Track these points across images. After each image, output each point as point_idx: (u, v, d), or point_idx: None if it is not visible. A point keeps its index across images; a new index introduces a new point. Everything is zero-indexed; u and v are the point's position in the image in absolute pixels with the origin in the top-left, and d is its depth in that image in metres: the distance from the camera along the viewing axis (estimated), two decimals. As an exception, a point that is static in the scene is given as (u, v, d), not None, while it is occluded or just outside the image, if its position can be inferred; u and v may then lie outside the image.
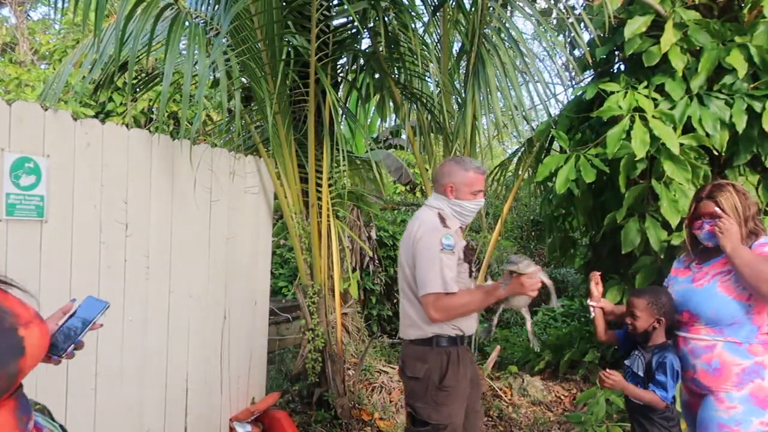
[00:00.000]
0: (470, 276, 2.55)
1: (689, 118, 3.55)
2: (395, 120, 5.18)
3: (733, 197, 2.26)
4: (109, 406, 3.06)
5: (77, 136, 2.96)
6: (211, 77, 4.17)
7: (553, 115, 4.69)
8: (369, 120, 7.19)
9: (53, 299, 2.92)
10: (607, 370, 2.37)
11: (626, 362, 2.46)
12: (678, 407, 2.52)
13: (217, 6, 3.73)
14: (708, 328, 2.24)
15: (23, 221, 2.77)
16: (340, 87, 4.60)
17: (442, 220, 2.48)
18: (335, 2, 4.02)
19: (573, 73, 5.11)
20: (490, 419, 4.39)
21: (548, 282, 2.37)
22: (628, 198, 3.62)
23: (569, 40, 4.69)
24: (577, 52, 4.79)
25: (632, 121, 3.54)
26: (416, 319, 2.44)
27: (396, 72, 4.26)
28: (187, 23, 3.13)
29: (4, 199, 2.70)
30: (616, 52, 4.41)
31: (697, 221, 2.32)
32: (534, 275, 2.28)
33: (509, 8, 4.28)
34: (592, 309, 2.54)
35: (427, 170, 4.85)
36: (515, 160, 5.06)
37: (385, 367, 4.90)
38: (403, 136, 7.18)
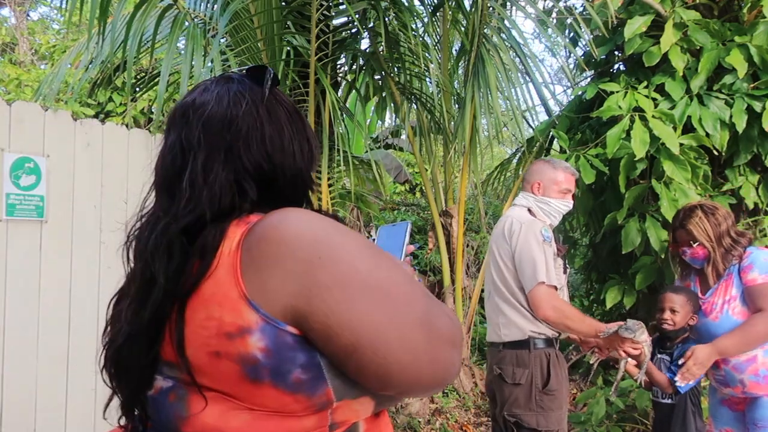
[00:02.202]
0: (564, 272, 2.52)
1: (689, 118, 3.55)
2: (395, 120, 5.19)
3: (702, 222, 2.34)
4: (110, 406, 3.06)
5: (77, 136, 2.96)
6: (211, 77, 4.16)
7: (553, 115, 4.69)
8: (368, 120, 7.20)
9: (53, 299, 2.93)
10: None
11: None
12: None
13: (216, 5, 3.73)
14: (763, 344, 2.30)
15: (23, 221, 2.77)
16: (340, 87, 4.60)
17: (533, 215, 2.46)
18: (335, 2, 4.02)
19: (574, 72, 5.11)
20: (489, 419, 4.39)
21: (647, 354, 2.31)
22: (629, 198, 3.62)
23: (569, 38, 4.68)
24: (579, 51, 4.78)
25: (632, 121, 3.54)
26: (513, 318, 2.36)
27: (396, 72, 4.26)
28: (186, 23, 3.13)
29: (4, 199, 2.70)
30: (616, 52, 4.41)
31: (679, 248, 2.44)
32: (641, 343, 2.26)
33: (509, 7, 4.28)
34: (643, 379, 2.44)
35: (426, 170, 4.85)
36: (515, 160, 5.06)
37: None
38: (403, 137, 7.19)
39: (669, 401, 2.44)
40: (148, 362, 0.86)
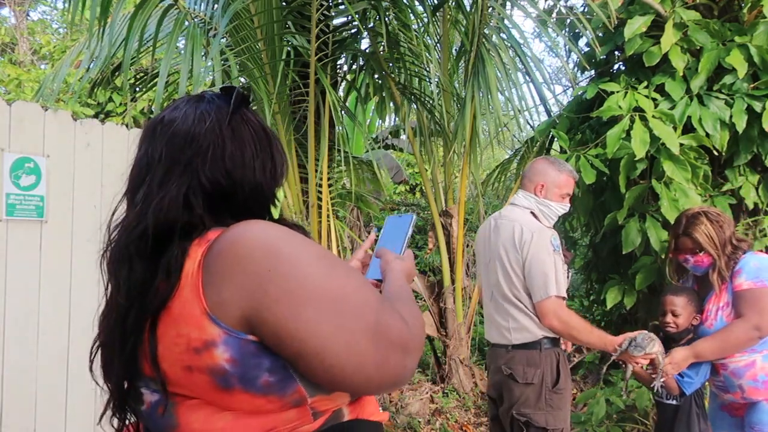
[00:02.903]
0: (567, 277, 2.52)
1: (689, 118, 3.55)
2: (395, 120, 5.19)
3: (707, 228, 2.33)
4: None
5: (77, 136, 2.96)
6: (210, 77, 4.17)
7: (553, 115, 4.69)
8: (368, 120, 7.20)
9: (53, 299, 2.92)
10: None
11: None
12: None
13: (216, 5, 3.73)
14: (742, 350, 2.30)
15: (23, 221, 2.77)
16: (340, 87, 4.60)
17: (537, 219, 2.45)
18: (335, 2, 4.02)
19: (575, 71, 5.11)
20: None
21: (661, 362, 2.30)
22: (629, 198, 3.61)
23: (570, 36, 4.68)
24: (574, 54, 4.78)
25: (632, 121, 3.54)
26: (524, 323, 2.37)
27: (396, 72, 4.26)
28: (186, 23, 3.13)
29: (4, 199, 2.70)
30: (616, 53, 4.41)
31: (681, 255, 2.42)
32: (654, 354, 2.26)
33: (509, 6, 4.28)
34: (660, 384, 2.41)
35: (426, 170, 4.85)
36: (516, 160, 5.06)
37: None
38: (402, 137, 7.20)
39: (674, 402, 2.44)
40: (123, 367, 0.91)
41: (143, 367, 0.90)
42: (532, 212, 2.47)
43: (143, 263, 0.88)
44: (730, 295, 2.33)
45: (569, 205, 2.55)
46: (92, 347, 0.96)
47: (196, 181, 0.92)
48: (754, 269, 2.29)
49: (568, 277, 2.55)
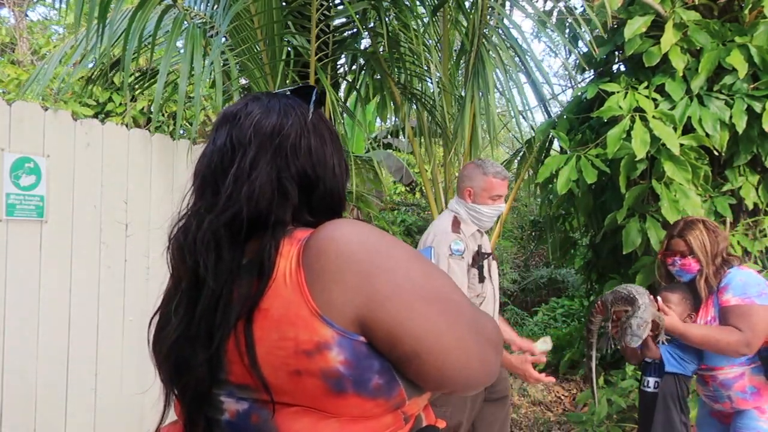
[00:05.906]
0: (480, 281, 2.53)
1: (689, 118, 3.55)
2: (395, 120, 5.19)
3: (702, 235, 2.35)
4: (109, 406, 3.05)
5: (77, 136, 2.96)
6: (210, 77, 4.16)
7: (552, 115, 4.69)
8: (368, 120, 7.19)
9: (53, 299, 2.92)
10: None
11: (647, 360, 2.52)
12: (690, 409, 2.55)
13: (216, 6, 3.73)
14: (731, 363, 2.32)
15: (23, 221, 2.77)
16: (341, 87, 4.59)
17: (456, 224, 2.49)
18: (335, 2, 4.01)
19: (575, 71, 5.11)
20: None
21: (661, 323, 2.28)
22: (629, 198, 3.62)
23: (569, 37, 4.68)
24: (574, 55, 4.78)
25: (632, 122, 3.54)
26: None
27: (396, 72, 4.26)
28: (185, 24, 3.13)
29: (4, 199, 2.70)
30: (616, 53, 4.41)
31: (669, 257, 2.43)
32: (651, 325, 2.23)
33: (509, 6, 4.28)
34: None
35: (426, 171, 4.84)
36: (516, 160, 5.06)
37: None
38: (401, 137, 7.18)
39: (654, 390, 2.47)
40: (208, 366, 0.86)
41: (228, 372, 0.86)
42: (456, 216, 2.52)
43: (231, 251, 0.85)
44: (716, 310, 2.33)
45: (503, 205, 2.59)
46: (159, 341, 0.91)
47: (285, 165, 0.90)
48: (741, 285, 2.29)
49: (481, 281, 2.53)
